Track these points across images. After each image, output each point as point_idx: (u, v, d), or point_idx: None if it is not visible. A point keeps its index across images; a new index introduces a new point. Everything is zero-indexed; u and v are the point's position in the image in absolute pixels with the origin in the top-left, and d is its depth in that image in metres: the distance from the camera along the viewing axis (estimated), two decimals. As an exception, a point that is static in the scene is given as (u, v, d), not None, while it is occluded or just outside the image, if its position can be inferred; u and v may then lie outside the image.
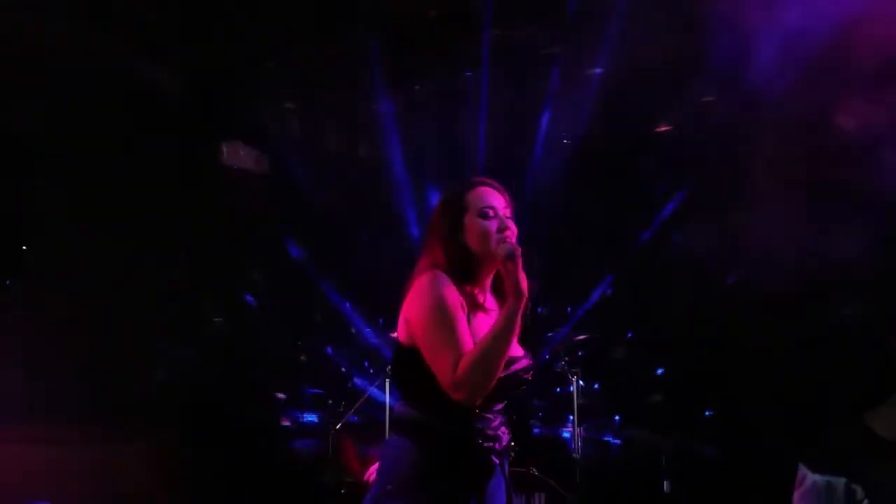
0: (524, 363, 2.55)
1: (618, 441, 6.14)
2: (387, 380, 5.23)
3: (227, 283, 5.95)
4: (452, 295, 2.43)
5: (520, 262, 2.39)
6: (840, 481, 2.96)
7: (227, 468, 5.59)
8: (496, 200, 2.58)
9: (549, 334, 6.59)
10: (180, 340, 5.63)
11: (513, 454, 4.97)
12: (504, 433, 2.55)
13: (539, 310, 6.38)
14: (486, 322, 2.51)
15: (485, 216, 2.53)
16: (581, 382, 5.36)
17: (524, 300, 2.37)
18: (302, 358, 6.59)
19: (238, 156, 6.08)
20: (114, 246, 5.26)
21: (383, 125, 6.49)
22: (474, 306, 2.51)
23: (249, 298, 6.26)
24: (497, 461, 2.50)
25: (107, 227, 5.26)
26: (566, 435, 5.88)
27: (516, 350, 2.55)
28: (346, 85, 6.21)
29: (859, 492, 2.94)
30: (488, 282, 2.60)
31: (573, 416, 5.23)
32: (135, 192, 5.34)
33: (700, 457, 5.72)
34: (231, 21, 5.42)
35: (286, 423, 6.47)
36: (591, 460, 5.51)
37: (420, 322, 2.42)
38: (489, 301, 2.60)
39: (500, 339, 2.35)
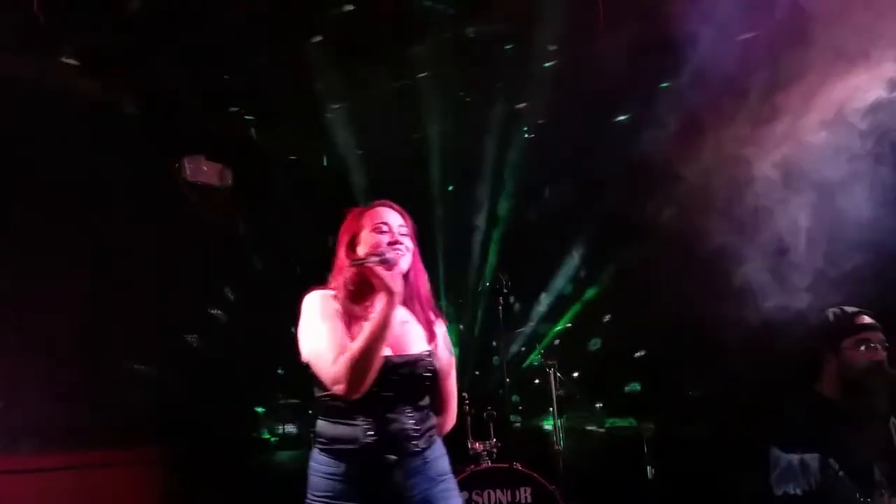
0: (418, 357, 2.71)
1: (600, 430, 6.19)
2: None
3: (198, 297, 5.89)
4: (326, 305, 2.71)
5: (391, 264, 2.64)
6: (813, 457, 3.03)
7: (210, 484, 5.55)
8: (392, 218, 2.84)
9: (521, 328, 6.63)
10: (154, 359, 5.56)
11: (492, 451, 5.02)
12: (411, 431, 2.66)
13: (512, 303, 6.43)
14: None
15: (379, 231, 2.80)
16: (558, 374, 5.40)
17: (394, 299, 2.60)
18: (279, 371, 6.56)
19: (200, 171, 6.02)
20: (80, 268, 5.20)
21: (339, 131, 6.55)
22: (363, 314, 2.70)
23: (220, 312, 6.22)
24: (395, 458, 2.61)
25: (72, 248, 5.20)
26: (547, 427, 5.92)
27: (409, 348, 2.72)
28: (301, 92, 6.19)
29: (833, 464, 3.00)
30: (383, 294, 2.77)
31: (553, 407, 5.27)
32: (97, 212, 5.28)
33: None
34: (183, 35, 5.38)
35: (266, 435, 6.44)
36: (574, 451, 5.55)
37: (299, 335, 2.71)
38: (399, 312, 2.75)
39: (372, 335, 2.57)
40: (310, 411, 5.28)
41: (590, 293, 6.79)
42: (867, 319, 3.33)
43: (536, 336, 6.78)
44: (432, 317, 2.84)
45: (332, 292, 2.75)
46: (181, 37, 5.35)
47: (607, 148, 6.06)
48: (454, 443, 5.02)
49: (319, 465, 2.64)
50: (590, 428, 6.29)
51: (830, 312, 3.40)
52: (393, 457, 2.61)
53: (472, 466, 4.91)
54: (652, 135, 5.57)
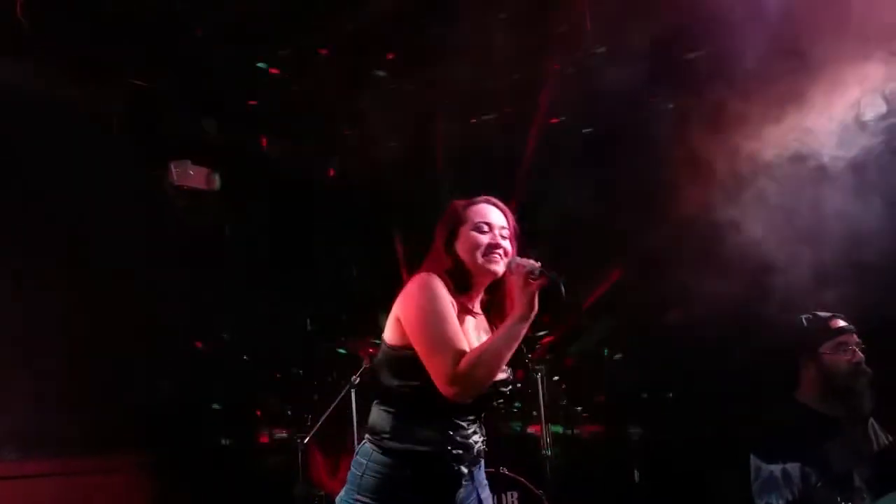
0: (504, 377, 2.61)
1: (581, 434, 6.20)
2: (352, 390, 5.21)
3: (186, 303, 5.87)
4: (446, 296, 2.52)
5: (539, 281, 2.44)
6: (795, 467, 3.03)
7: (194, 491, 5.54)
8: (495, 218, 2.68)
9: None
10: (138, 365, 5.54)
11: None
12: (476, 442, 2.60)
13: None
14: (474, 329, 2.63)
15: (479, 230, 2.64)
16: (545, 376, 5.40)
17: (532, 315, 2.44)
18: (277, 375, 6.58)
19: (187, 175, 6.01)
20: (64, 274, 5.18)
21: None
22: (463, 311, 2.60)
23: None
24: (466, 470, 2.56)
25: (62, 253, 5.18)
26: (532, 431, 5.93)
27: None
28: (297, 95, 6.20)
29: (814, 475, 3.01)
30: (478, 294, 2.69)
31: (540, 412, 5.27)
32: (82, 218, 5.26)
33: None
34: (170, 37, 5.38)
35: (257, 439, 6.44)
36: (561, 455, 5.56)
37: (416, 320, 2.50)
38: (481, 318, 2.70)
39: (503, 345, 2.43)
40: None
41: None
42: (842, 322, 3.32)
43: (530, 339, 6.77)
44: None
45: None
46: (166, 40, 5.35)
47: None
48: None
49: (377, 464, 2.49)
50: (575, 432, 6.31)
51: (803, 318, 3.37)
52: (465, 468, 2.55)
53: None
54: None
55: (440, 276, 2.58)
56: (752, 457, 3.19)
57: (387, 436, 2.51)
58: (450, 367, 2.39)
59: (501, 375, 2.59)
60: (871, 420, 3.32)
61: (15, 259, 4.99)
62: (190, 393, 5.71)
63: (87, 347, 5.17)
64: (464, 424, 2.56)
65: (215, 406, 6.12)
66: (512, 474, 4.86)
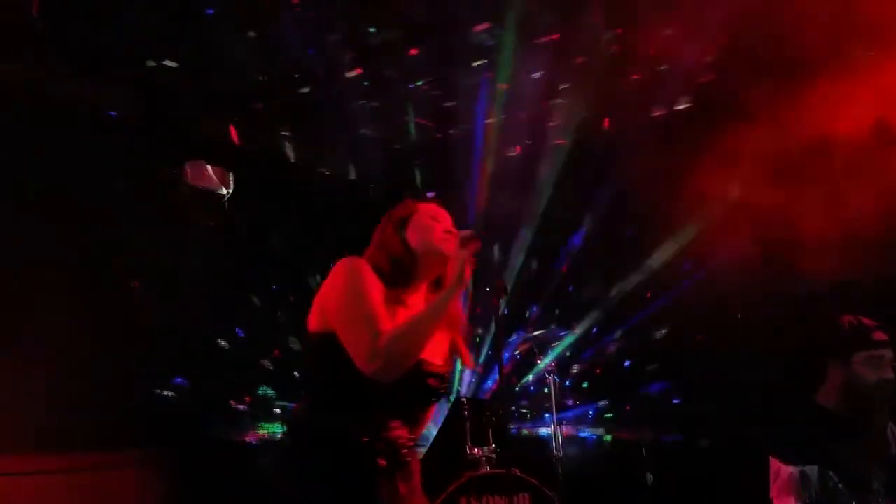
0: (439, 372, 2.55)
1: (594, 436, 6.18)
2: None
3: (197, 302, 5.89)
4: (370, 277, 2.49)
5: (472, 249, 2.50)
6: (813, 470, 3.00)
7: (205, 487, 5.55)
8: (444, 215, 2.71)
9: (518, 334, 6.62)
10: (149, 361, 5.56)
11: (490, 456, 5.01)
12: (405, 442, 2.50)
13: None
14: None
15: (433, 219, 2.67)
16: (557, 379, 5.39)
17: (461, 289, 2.46)
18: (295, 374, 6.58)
19: (202, 175, 6.03)
20: (77, 271, 5.20)
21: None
22: (396, 302, 2.53)
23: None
24: (385, 464, 2.43)
25: (75, 251, 5.20)
26: (545, 433, 5.91)
27: (436, 359, 2.56)
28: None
29: (832, 477, 2.98)
30: (423, 287, 2.66)
31: (552, 413, 5.26)
32: (96, 216, 5.28)
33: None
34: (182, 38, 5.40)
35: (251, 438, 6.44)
36: (573, 457, 5.55)
37: (337, 301, 2.44)
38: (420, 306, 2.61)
39: (428, 317, 2.41)
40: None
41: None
42: (883, 336, 3.21)
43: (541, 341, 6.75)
44: (457, 336, 2.69)
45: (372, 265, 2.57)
46: (180, 40, 5.37)
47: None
48: (453, 448, 5.08)
49: (308, 462, 2.41)
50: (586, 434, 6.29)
51: (846, 322, 3.24)
52: (386, 464, 2.43)
53: (470, 472, 4.90)
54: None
55: (380, 263, 2.56)
56: (770, 458, 3.15)
57: (316, 432, 2.44)
58: (369, 342, 2.33)
59: (444, 370, 2.57)
60: (890, 424, 3.28)
61: (27, 257, 5.01)
62: (200, 390, 5.72)
63: (97, 345, 5.18)
64: (401, 424, 2.49)
65: (226, 403, 6.12)
66: (524, 476, 4.85)
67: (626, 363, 6.58)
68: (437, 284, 2.66)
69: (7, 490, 4.65)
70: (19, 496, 4.69)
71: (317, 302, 2.51)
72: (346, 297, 2.43)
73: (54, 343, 5.02)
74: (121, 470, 5.19)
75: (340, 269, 2.49)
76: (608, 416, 6.50)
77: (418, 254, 2.61)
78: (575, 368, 6.53)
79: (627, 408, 6.44)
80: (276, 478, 2.44)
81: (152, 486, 5.34)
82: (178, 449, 5.50)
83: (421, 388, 2.51)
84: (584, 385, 6.59)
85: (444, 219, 2.69)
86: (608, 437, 6.33)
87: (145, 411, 5.37)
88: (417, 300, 2.62)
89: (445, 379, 2.60)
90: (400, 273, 2.57)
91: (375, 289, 2.46)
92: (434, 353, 2.56)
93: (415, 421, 2.57)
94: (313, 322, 2.50)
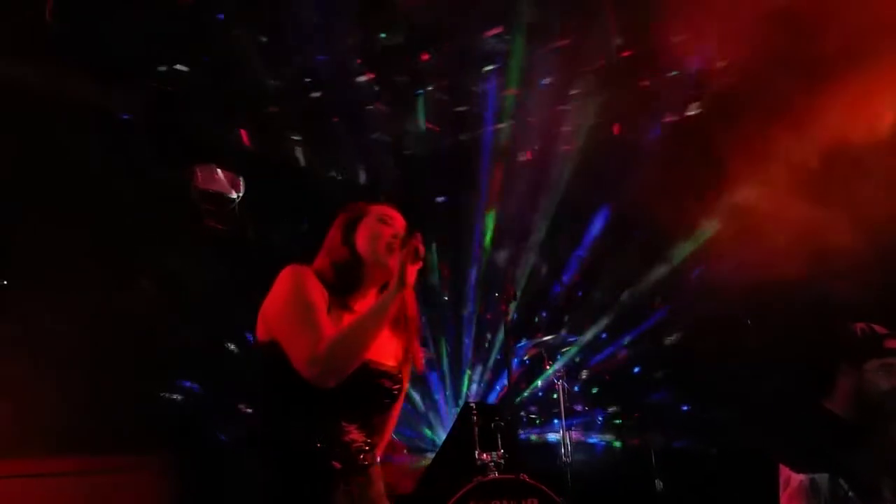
0: (391, 373, 2.53)
1: (603, 442, 6.17)
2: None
3: (210, 305, 5.91)
4: (312, 284, 2.47)
5: (414, 252, 2.45)
6: (823, 478, 2.98)
7: (219, 491, 5.56)
8: (397, 217, 2.66)
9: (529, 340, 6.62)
10: (165, 365, 5.58)
11: (499, 461, 5.01)
12: (361, 446, 2.47)
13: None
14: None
15: (383, 222, 2.62)
16: (566, 385, 5.39)
17: (403, 291, 2.42)
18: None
19: (212, 179, 6.05)
20: (93, 274, 5.23)
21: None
22: (343, 307, 2.51)
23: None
24: (339, 467, 2.41)
25: (86, 255, 5.23)
26: (553, 439, 5.90)
27: (387, 360, 2.55)
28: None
29: (842, 485, 2.96)
30: (372, 292, 2.63)
31: (561, 419, 5.26)
32: (109, 221, 5.31)
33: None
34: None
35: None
36: (581, 462, 5.53)
37: (278, 310, 2.44)
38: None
39: (369, 321, 2.37)
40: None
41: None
42: (895, 344, 3.19)
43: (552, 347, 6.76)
44: (411, 336, 2.66)
45: (317, 272, 2.56)
46: (193, 44, 5.41)
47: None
48: (461, 453, 5.08)
49: (264, 470, 2.41)
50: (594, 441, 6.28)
51: (858, 329, 3.22)
52: (341, 467, 2.40)
53: (479, 477, 4.90)
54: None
55: (324, 270, 2.55)
56: (780, 466, 3.14)
57: (265, 438, 2.44)
58: (309, 348, 2.32)
59: (393, 368, 2.53)
60: None
61: (41, 260, 5.04)
62: (214, 394, 5.74)
63: (111, 349, 5.21)
64: (352, 427, 2.45)
65: (237, 407, 6.14)
66: (532, 481, 4.84)
67: (636, 369, 6.56)
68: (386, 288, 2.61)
69: (22, 492, 4.68)
70: (34, 498, 4.71)
71: (261, 311, 2.50)
72: (286, 306, 2.42)
73: (68, 346, 5.06)
74: (134, 473, 5.22)
75: (282, 278, 2.49)
76: (617, 421, 6.48)
77: (365, 260, 2.58)
78: (584, 374, 6.52)
79: (636, 414, 6.42)
80: (239, 485, 2.47)
81: (165, 490, 5.35)
82: (190, 452, 5.52)
83: (371, 389, 2.49)
84: (594, 391, 6.57)
85: (395, 222, 2.64)
86: (617, 444, 6.31)
87: (158, 415, 5.39)
88: (365, 305, 2.58)
89: (397, 379, 2.56)
90: (345, 279, 2.56)
91: (317, 295, 2.45)
92: (385, 354, 2.55)
93: (370, 424, 2.52)
94: (260, 331, 2.50)
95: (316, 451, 2.39)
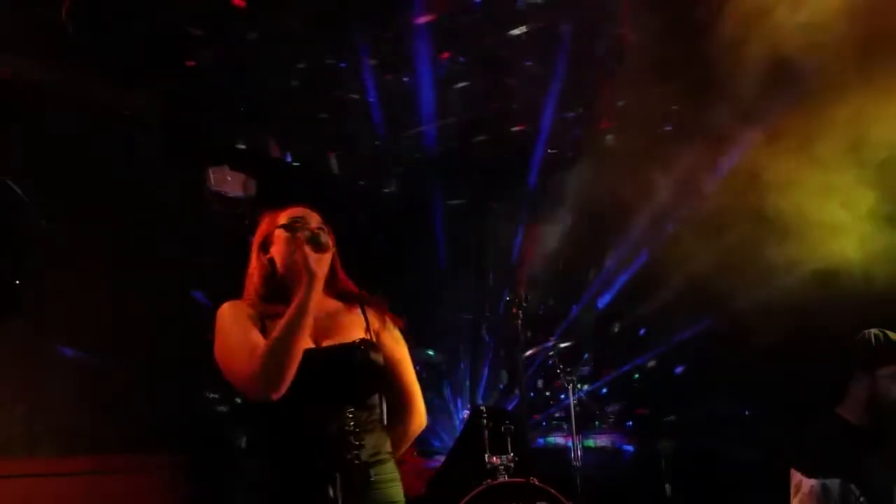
0: (355, 348, 2.46)
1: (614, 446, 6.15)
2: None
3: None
4: (237, 310, 2.49)
5: (323, 249, 2.44)
6: (835, 483, 2.96)
7: (231, 491, 5.57)
8: (309, 216, 2.62)
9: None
10: (177, 365, 5.60)
11: (509, 465, 5.00)
12: (353, 437, 2.39)
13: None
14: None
15: (292, 229, 2.57)
16: (578, 387, 5.38)
17: (315, 283, 2.38)
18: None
19: (225, 180, 6.08)
20: (107, 274, 5.26)
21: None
22: (274, 316, 2.45)
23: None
24: (326, 469, 2.34)
25: (100, 254, 5.25)
26: (562, 441, 5.89)
27: (350, 337, 2.49)
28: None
29: (854, 491, 2.94)
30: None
31: (571, 423, 5.24)
32: (122, 220, 5.33)
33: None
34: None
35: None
36: (592, 467, 5.52)
37: (216, 345, 2.47)
38: (320, 303, 2.49)
39: (292, 322, 2.32)
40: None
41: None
42: None
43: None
44: (371, 308, 2.62)
45: (244, 301, 2.57)
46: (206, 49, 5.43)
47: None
48: (472, 457, 5.07)
49: (246, 477, 2.47)
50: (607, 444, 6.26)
51: (872, 335, 3.17)
52: (326, 465, 2.32)
53: (489, 480, 4.90)
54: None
55: (250, 295, 2.57)
56: (791, 470, 3.12)
57: (251, 448, 2.45)
58: (242, 367, 2.34)
59: (349, 343, 2.46)
60: None
61: (54, 261, 5.07)
62: (224, 394, 5.75)
63: (123, 349, 5.24)
64: (332, 418, 2.38)
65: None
66: (542, 485, 4.83)
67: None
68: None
69: (33, 491, 4.70)
70: (46, 497, 4.74)
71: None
72: (218, 338, 2.46)
73: (82, 346, 5.09)
74: (146, 474, 5.22)
75: (217, 319, 2.52)
76: (628, 426, 6.47)
77: (285, 274, 2.55)
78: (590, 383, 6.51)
79: (648, 418, 6.41)
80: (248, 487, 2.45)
81: (177, 491, 5.37)
82: (200, 453, 5.53)
83: (330, 372, 2.41)
84: (590, 390, 6.55)
85: (309, 221, 2.60)
86: (627, 447, 6.30)
87: (172, 415, 5.40)
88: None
89: (356, 349, 2.47)
90: (275, 287, 2.55)
91: (241, 318, 2.46)
92: (340, 331, 2.51)
93: (361, 412, 2.42)
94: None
95: (302, 451, 2.36)
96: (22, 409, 4.88)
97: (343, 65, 5.91)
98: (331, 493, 2.30)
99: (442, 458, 5.53)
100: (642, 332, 6.68)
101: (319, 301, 2.45)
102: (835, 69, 4.40)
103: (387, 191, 6.97)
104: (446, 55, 5.96)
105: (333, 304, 2.59)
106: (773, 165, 4.75)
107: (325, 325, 2.50)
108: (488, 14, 5.60)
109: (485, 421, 5.16)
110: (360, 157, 6.84)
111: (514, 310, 5.32)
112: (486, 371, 7.16)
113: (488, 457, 5.03)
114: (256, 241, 2.65)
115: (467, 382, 7.16)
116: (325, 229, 2.57)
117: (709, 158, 5.49)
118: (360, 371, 2.44)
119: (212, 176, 6.03)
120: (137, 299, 5.33)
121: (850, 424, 3.18)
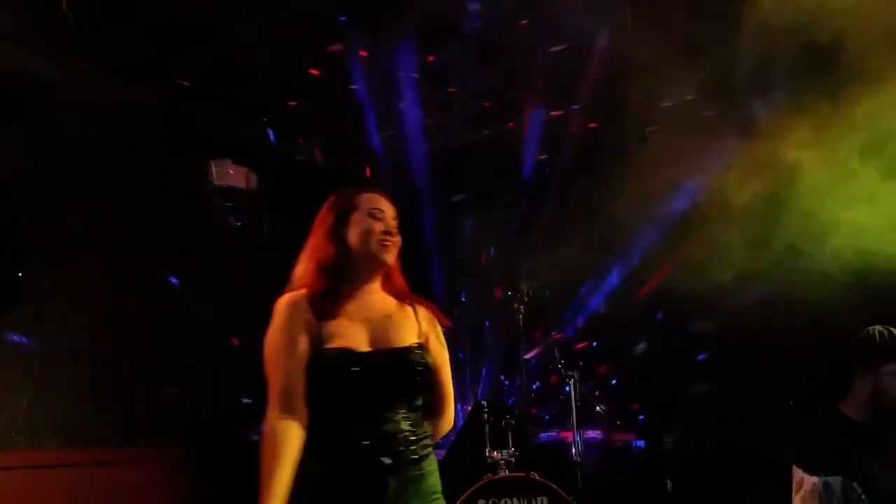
0: (410, 352, 2.48)
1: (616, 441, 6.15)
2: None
3: (223, 300, 5.92)
4: (292, 318, 2.45)
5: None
6: (836, 480, 2.96)
7: (233, 485, 5.57)
8: (387, 207, 2.61)
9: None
10: (178, 358, 5.60)
11: (510, 460, 5.00)
12: (410, 435, 2.44)
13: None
14: (346, 328, 2.46)
15: (372, 216, 2.55)
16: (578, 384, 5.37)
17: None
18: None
19: (227, 174, 6.07)
20: (109, 269, 5.25)
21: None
22: (329, 315, 2.46)
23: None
24: (389, 462, 2.38)
25: (102, 249, 5.25)
26: (566, 438, 5.88)
27: (405, 339, 2.50)
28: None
29: (856, 489, 2.94)
30: (371, 283, 2.58)
31: (573, 418, 5.24)
32: (122, 213, 5.33)
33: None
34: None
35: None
36: (593, 462, 5.52)
37: (266, 338, 2.49)
38: (378, 301, 2.56)
39: (265, 475, 2.34)
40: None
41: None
42: None
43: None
44: (422, 310, 2.63)
45: (303, 292, 2.50)
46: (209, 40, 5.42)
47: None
48: (472, 451, 5.08)
49: (307, 468, 2.39)
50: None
51: (876, 332, 3.15)
52: (388, 460, 2.38)
53: (490, 475, 4.90)
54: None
55: (311, 276, 2.53)
56: (793, 467, 3.12)
57: (312, 440, 2.42)
58: (271, 402, 2.40)
59: (406, 347, 2.47)
60: None
61: (56, 256, 5.06)
62: (225, 388, 5.75)
63: (125, 342, 5.24)
64: (388, 416, 2.41)
65: (247, 401, 6.16)
66: (543, 479, 4.84)
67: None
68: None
69: (35, 483, 4.70)
70: (49, 488, 4.74)
71: None
72: (267, 336, 2.50)
73: (85, 338, 5.09)
74: (150, 466, 5.23)
75: (273, 313, 2.51)
76: (630, 420, 6.46)
77: (358, 256, 2.54)
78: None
79: (650, 412, 6.40)
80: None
81: (176, 484, 5.37)
82: (202, 447, 5.54)
83: (395, 372, 2.45)
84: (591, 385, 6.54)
85: (386, 212, 2.59)
86: (630, 443, 6.29)
87: (169, 408, 5.40)
88: (360, 303, 2.54)
89: (418, 353, 2.50)
90: (342, 275, 2.52)
91: (293, 327, 2.44)
92: (401, 334, 2.52)
93: (413, 411, 2.48)
94: None
95: (362, 447, 2.39)
96: (26, 401, 4.88)
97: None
98: (392, 485, 2.37)
99: (443, 453, 5.53)
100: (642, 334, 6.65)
101: (377, 299, 2.55)
102: (867, 57, 4.37)
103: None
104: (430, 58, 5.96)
105: (390, 303, 2.59)
106: (797, 156, 4.72)
107: (382, 326, 2.50)
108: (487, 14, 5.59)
109: (485, 416, 5.17)
110: (352, 153, 6.84)
111: (516, 304, 5.33)
112: (486, 366, 7.16)
113: (489, 451, 5.04)
114: (329, 222, 2.58)
115: (468, 377, 7.16)
116: (397, 223, 2.60)
117: (732, 147, 5.45)
118: (416, 376, 2.49)
119: (214, 170, 6.02)
120: (140, 294, 5.34)
121: (852, 422, 3.17)
